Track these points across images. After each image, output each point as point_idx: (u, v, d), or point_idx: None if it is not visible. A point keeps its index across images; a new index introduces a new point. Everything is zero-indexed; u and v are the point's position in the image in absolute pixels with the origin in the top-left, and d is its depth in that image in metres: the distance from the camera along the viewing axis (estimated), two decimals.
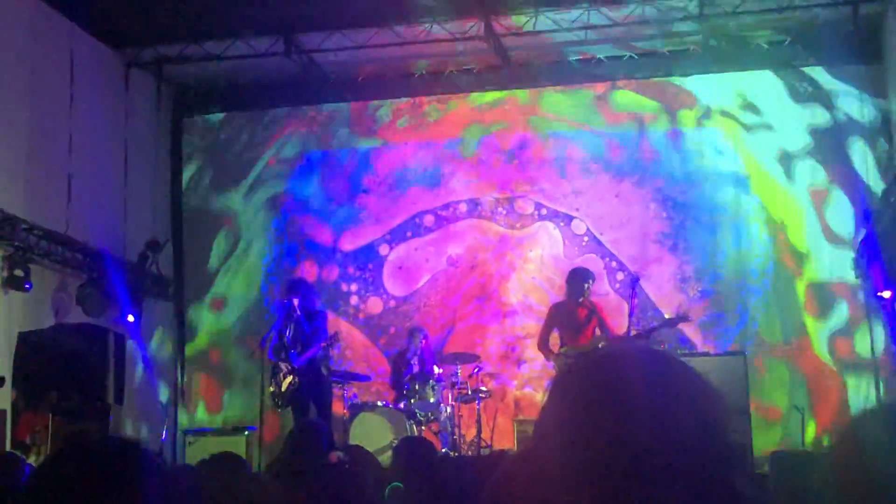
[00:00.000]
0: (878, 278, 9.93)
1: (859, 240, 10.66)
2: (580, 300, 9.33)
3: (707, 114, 11.95)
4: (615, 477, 1.24)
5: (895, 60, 10.58)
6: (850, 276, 10.95)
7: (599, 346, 8.81)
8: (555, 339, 9.60)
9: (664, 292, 11.51)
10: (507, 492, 1.66)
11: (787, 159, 11.56)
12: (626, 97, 12.22)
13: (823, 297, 11.26)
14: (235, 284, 12.85)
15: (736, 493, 1.27)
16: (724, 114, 11.87)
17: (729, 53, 11.77)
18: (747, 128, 11.78)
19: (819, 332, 11.20)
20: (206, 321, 12.84)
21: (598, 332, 9.26)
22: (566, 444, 1.30)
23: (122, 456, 2.06)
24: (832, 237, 11.30)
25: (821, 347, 11.16)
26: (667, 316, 9.77)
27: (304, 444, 6.68)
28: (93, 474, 1.97)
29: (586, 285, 9.37)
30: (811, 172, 11.47)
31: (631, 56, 12.12)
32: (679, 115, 12.03)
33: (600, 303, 9.83)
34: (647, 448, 1.24)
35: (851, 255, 10.89)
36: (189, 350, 12.73)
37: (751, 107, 11.77)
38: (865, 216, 10.37)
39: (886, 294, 9.92)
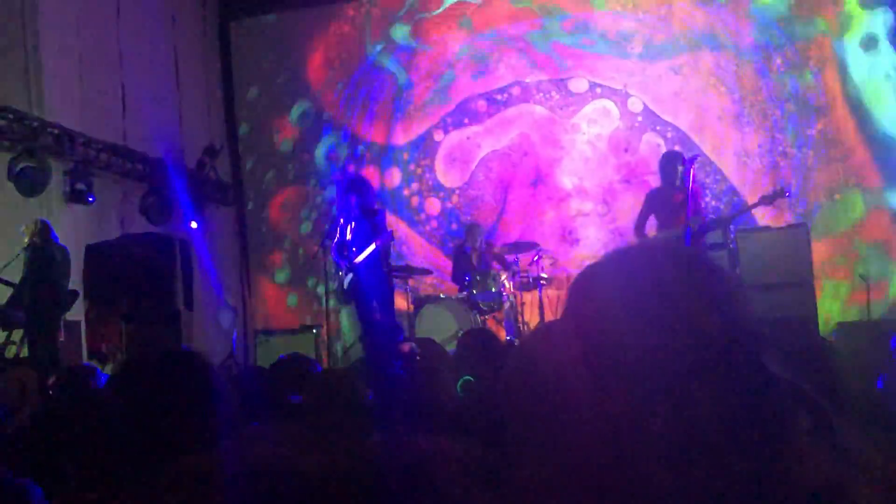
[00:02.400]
0: None
1: None
2: (675, 184, 9.08)
3: None
4: (637, 375, 1.26)
5: None
6: None
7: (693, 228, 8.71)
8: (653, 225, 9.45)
9: (731, 169, 11.39)
10: (532, 364, 1.68)
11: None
12: None
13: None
14: (294, 188, 12.96)
15: (762, 368, 1.28)
16: None
17: None
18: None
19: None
20: (268, 225, 13.00)
21: (694, 215, 9.01)
22: (586, 343, 1.33)
23: (185, 368, 2.15)
24: None
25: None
26: (764, 196, 9.42)
27: (379, 340, 6.81)
28: (157, 387, 2.06)
29: (679, 168, 9.09)
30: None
31: None
32: None
33: (697, 188, 9.58)
34: (666, 346, 1.26)
35: None
36: (253, 252, 12.93)
37: None
38: None
39: None
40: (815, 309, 9.57)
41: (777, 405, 1.27)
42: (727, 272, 1.39)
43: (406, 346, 5.70)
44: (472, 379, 4.66)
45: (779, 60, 11.46)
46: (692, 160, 8.89)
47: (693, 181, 8.86)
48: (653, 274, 1.33)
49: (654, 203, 9.15)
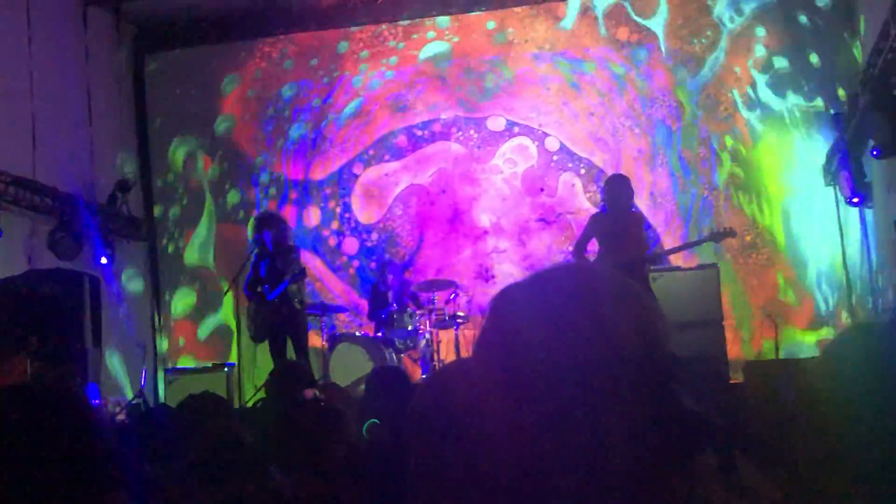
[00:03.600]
0: (848, 186, 9.99)
1: (829, 146, 10.70)
2: (620, 208, 8.87)
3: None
4: (555, 390, 1.25)
5: None
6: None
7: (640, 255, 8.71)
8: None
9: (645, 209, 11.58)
10: (442, 394, 1.67)
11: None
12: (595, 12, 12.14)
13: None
14: (209, 223, 12.82)
15: (679, 404, 1.28)
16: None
17: None
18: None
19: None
20: (181, 261, 12.82)
21: (639, 242, 8.93)
22: (504, 356, 1.31)
23: (46, 403, 2.07)
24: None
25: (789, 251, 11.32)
26: (712, 231, 9.46)
27: (282, 384, 6.72)
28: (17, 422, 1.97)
29: (625, 193, 8.86)
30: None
31: None
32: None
33: (639, 213, 9.51)
34: (585, 363, 1.25)
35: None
36: (165, 288, 12.73)
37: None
38: (836, 119, 10.35)
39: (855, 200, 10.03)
40: (725, 348, 9.77)
41: (686, 438, 1.27)
42: (652, 300, 1.39)
43: (309, 393, 5.62)
44: (377, 422, 4.62)
45: (692, 105, 11.71)
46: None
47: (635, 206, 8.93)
48: (581, 290, 1.32)
49: (598, 227, 8.95)
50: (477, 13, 12.35)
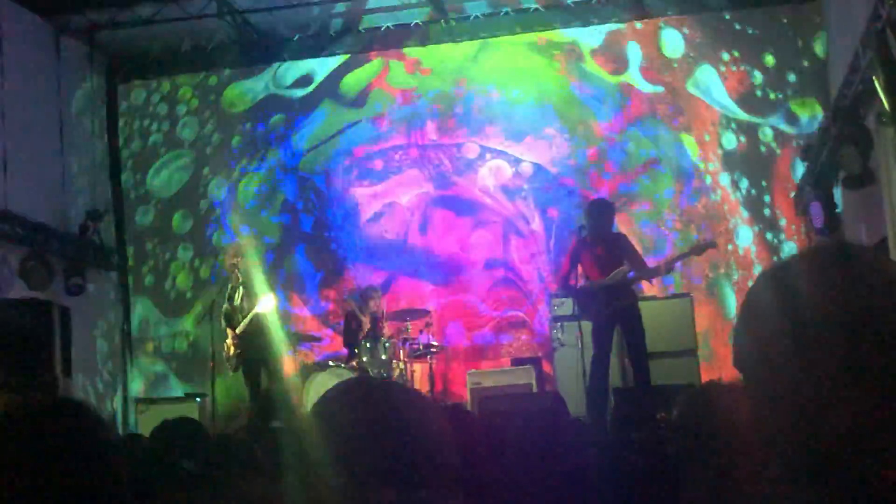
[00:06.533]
0: (819, 215, 10.08)
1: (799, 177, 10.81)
2: (602, 233, 8.94)
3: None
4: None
5: None
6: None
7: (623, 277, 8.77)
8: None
9: None
10: None
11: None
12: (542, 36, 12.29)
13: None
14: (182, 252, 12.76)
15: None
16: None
17: None
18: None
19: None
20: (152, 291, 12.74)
21: (625, 264, 8.94)
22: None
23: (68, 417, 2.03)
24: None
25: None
26: (693, 244, 9.47)
27: (260, 413, 6.72)
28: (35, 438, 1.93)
29: (607, 217, 8.96)
30: None
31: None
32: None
33: (624, 235, 9.55)
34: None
35: None
36: (137, 318, 12.63)
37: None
38: (807, 151, 10.45)
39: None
40: (699, 377, 9.80)
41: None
42: None
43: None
44: None
45: (663, 129, 11.81)
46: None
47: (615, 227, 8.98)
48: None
49: (580, 253, 9.00)
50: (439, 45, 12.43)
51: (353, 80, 12.61)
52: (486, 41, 12.32)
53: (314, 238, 12.44)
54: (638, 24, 12.01)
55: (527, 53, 12.22)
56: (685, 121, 11.79)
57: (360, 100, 12.56)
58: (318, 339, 11.42)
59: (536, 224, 11.93)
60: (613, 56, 12.03)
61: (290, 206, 12.55)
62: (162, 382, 12.41)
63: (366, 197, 12.38)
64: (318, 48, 12.64)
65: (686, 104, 11.79)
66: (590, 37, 12.06)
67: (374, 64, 12.60)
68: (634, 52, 11.97)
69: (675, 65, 11.88)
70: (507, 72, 12.24)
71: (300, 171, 12.59)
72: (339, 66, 12.66)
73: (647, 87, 11.90)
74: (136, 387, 12.34)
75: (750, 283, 1.48)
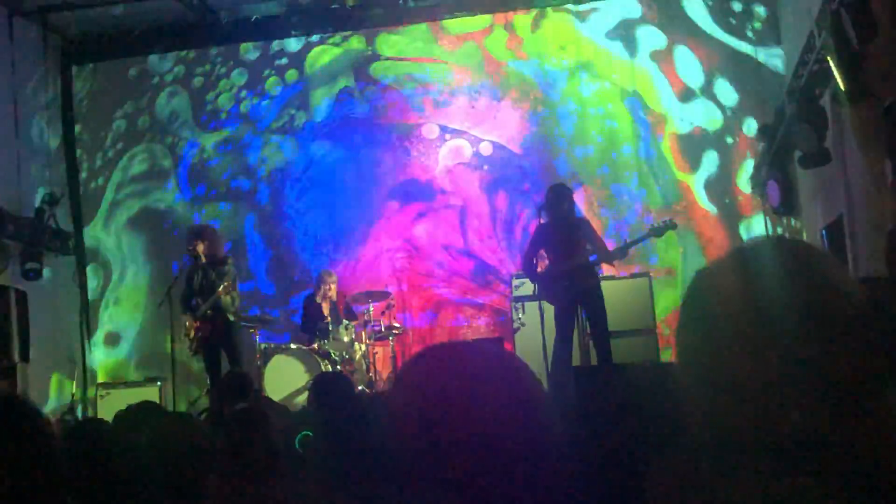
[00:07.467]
0: (776, 195, 10.18)
1: (758, 155, 10.88)
2: (563, 217, 9.01)
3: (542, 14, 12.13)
4: (456, 464, 1.32)
5: None
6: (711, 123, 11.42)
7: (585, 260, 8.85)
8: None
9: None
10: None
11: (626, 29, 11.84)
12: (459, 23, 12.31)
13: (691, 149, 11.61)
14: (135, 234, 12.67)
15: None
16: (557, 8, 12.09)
17: None
18: (580, 15, 12.01)
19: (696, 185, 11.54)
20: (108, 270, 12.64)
21: (588, 247, 9.03)
22: (413, 428, 1.38)
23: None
24: (683, 93, 11.64)
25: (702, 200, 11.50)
26: (652, 226, 9.50)
27: (222, 394, 6.71)
28: None
29: (566, 202, 9.00)
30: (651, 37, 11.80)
31: None
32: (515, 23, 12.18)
33: (585, 218, 9.58)
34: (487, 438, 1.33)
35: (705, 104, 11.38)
36: (94, 302, 12.53)
37: None
38: (763, 131, 10.50)
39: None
40: (659, 356, 9.89)
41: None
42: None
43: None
44: (310, 434, 4.60)
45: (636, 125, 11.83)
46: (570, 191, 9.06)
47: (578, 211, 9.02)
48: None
49: (542, 237, 9.11)
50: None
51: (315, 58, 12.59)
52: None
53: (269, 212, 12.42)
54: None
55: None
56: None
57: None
58: (276, 322, 11.38)
59: (496, 204, 11.95)
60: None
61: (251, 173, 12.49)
62: (122, 367, 12.32)
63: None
64: (276, 29, 12.56)
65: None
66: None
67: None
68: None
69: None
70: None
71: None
72: (303, 45, 12.61)
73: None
74: (96, 371, 12.24)
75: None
